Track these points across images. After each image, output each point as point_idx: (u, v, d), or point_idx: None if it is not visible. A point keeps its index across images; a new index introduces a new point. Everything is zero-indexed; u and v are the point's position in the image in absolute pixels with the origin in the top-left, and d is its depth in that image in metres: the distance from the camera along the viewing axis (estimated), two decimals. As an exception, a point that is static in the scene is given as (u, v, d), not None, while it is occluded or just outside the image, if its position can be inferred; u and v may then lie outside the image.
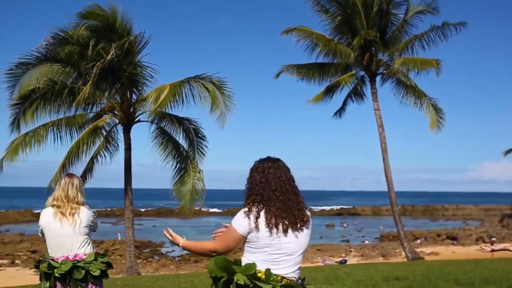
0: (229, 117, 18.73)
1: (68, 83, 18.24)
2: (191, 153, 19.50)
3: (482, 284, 9.57)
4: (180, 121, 19.66)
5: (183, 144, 19.79)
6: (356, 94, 26.62)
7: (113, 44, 17.15)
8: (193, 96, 18.84)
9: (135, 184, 19.96)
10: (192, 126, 19.70)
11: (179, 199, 19.16)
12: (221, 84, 18.92)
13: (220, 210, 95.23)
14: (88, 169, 19.71)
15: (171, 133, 19.85)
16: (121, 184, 19.88)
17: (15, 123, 17.57)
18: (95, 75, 16.77)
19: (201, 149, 19.82)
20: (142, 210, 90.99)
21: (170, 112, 19.33)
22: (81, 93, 16.86)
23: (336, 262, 31.86)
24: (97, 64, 16.85)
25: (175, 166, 19.49)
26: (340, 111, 27.09)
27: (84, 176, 19.46)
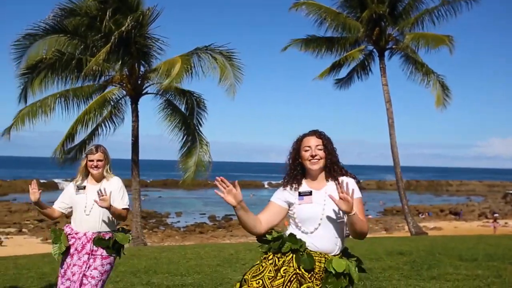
0: (242, 88, 18.74)
1: (76, 54, 18.24)
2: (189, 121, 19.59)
3: (485, 260, 9.66)
4: (184, 94, 19.72)
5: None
6: (363, 69, 26.48)
7: (129, 17, 17.13)
8: (201, 68, 18.83)
9: (141, 155, 20.12)
10: (194, 98, 19.78)
11: (184, 170, 19.29)
12: (231, 55, 18.85)
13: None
14: (88, 139, 19.88)
15: (175, 104, 19.96)
16: (127, 155, 20.03)
17: (23, 93, 17.63)
18: (112, 43, 16.78)
19: (199, 120, 19.93)
20: (149, 181, 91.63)
21: (180, 86, 19.36)
22: (95, 58, 16.89)
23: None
24: (115, 33, 16.85)
25: (182, 138, 19.62)
26: (343, 83, 26.93)
27: (83, 146, 19.76)
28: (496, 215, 45.39)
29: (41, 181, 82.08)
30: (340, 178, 3.46)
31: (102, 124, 19.94)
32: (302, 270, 3.32)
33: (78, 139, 19.52)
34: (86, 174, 4.96)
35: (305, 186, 3.52)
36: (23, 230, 38.38)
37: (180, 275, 8.42)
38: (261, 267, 3.39)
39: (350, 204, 3.22)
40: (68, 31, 18.21)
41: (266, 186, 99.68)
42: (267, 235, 3.46)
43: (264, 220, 3.45)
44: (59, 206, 5.00)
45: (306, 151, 3.48)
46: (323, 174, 3.53)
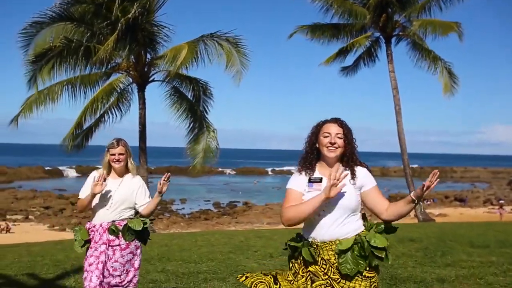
0: (245, 76, 18.63)
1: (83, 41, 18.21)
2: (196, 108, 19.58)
3: (497, 247, 9.69)
4: (190, 81, 19.69)
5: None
6: (369, 56, 26.39)
7: (135, 3, 17.06)
8: (208, 55, 18.74)
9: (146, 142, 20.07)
10: (201, 85, 19.76)
11: (192, 157, 19.33)
12: (237, 41, 18.74)
13: (230, 170, 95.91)
14: (94, 126, 19.97)
15: (182, 91, 19.95)
16: (134, 143, 20.04)
17: (32, 81, 17.59)
18: (119, 31, 16.71)
19: (205, 107, 19.92)
20: (153, 168, 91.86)
21: (186, 73, 19.31)
22: (103, 47, 16.82)
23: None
24: (122, 21, 16.79)
25: (189, 125, 19.63)
26: (349, 70, 26.87)
27: (89, 133, 19.88)
28: (501, 201, 45.29)
29: (46, 168, 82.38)
30: (356, 170, 3.45)
31: (109, 111, 19.98)
32: (314, 267, 3.34)
33: (85, 126, 19.60)
34: (110, 168, 4.95)
35: (317, 172, 3.51)
36: (30, 217, 38.54)
37: (194, 262, 8.46)
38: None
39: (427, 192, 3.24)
40: (75, 18, 18.13)
41: (270, 173, 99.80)
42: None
43: None
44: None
45: (325, 137, 3.45)
46: (339, 163, 3.51)
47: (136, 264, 4.95)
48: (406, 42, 25.33)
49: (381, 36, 25.52)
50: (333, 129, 3.45)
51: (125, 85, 19.90)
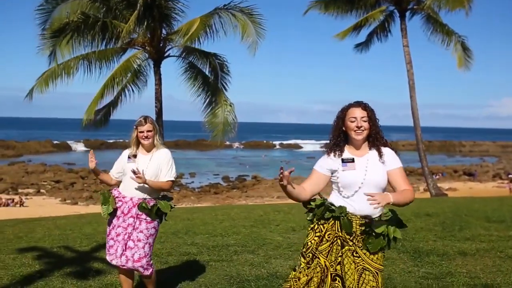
0: (260, 46, 18.54)
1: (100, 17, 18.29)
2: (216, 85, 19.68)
3: (513, 221, 9.89)
4: (207, 56, 19.72)
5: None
6: (382, 31, 26.27)
7: None
8: (223, 27, 18.71)
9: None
10: (218, 61, 19.77)
11: (211, 130, 19.47)
12: (251, 11, 18.61)
13: (238, 143, 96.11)
14: (113, 103, 20.17)
15: (198, 66, 20.00)
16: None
17: (52, 55, 17.72)
18: (139, 10, 16.77)
19: (224, 84, 19.98)
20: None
21: (199, 47, 19.33)
22: (125, 28, 16.88)
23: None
24: (140, 0, 16.84)
25: (205, 100, 19.72)
26: (363, 46, 26.81)
27: (108, 111, 20.11)
28: (510, 176, 45.43)
29: (54, 142, 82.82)
30: (382, 149, 3.71)
31: (125, 89, 20.12)
32: (344, 233, 3.61)
33: (104, 103, 19.90)
34: (138, 144, 5.17)
35: (347, 153, 3.74)
36: (41, 190, 39.03)
37: (220, 236, 8.70)
38: (306, 238, 3.74)
39: (384, 202, 3.44)
40: (90, -7, 18.22)
41: (277, 146, 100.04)
42: (311, 202, 3.73)
43: (308, 188, 3.73)
44: (115, 176, 5.24)
45: (351, 121, 3.68)
46: (366, 143, 3.76)
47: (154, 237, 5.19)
48: (420, 16, 25.21)
49: (395, 10, 25.37)
50: (358, 113, 3.69)
51: (142, 60, 19.99)
